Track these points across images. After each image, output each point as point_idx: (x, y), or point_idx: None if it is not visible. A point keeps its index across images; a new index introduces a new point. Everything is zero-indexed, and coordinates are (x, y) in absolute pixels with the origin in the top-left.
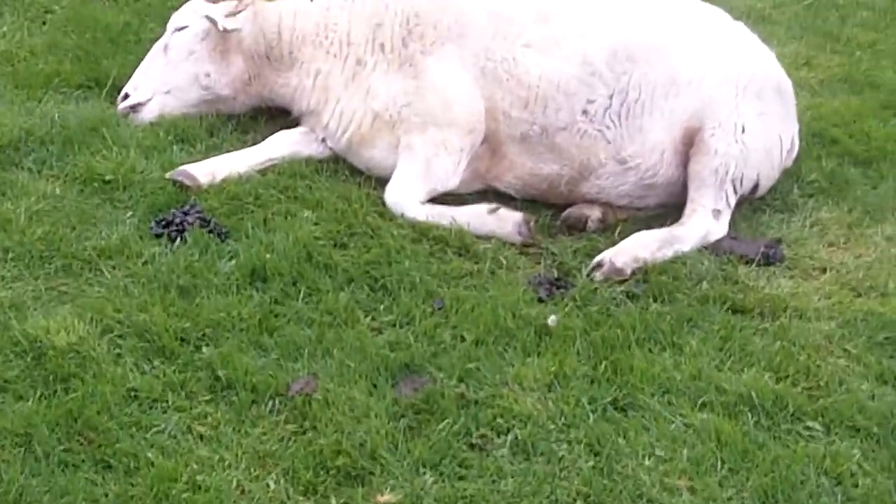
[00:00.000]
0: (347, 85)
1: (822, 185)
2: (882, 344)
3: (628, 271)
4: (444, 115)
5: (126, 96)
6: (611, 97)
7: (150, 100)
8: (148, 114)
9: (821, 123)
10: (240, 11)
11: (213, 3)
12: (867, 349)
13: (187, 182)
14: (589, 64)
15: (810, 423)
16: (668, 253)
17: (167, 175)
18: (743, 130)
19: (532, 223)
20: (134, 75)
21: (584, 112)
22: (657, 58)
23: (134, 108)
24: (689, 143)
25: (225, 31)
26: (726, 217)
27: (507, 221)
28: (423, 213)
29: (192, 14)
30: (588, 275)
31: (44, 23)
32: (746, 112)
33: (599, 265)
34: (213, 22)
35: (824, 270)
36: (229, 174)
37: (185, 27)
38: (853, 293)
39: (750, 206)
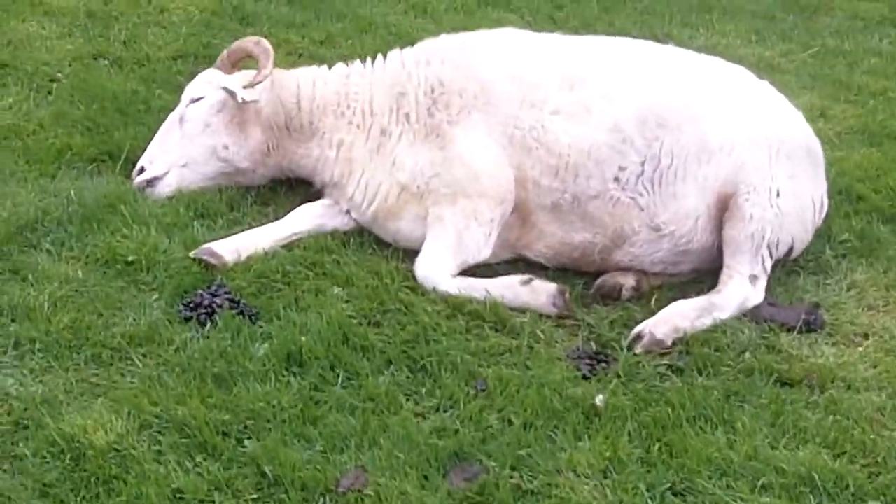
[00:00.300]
0: (372, 156)
1: (854, 244)
2: None
3: (669, 342)
4: (474, 185)
5: (141, 170)
6: (643, 164)
7: (166, 174)
8: (165, 188)
9: (845, 179)
10: (258, 82)
11: (229, 73)
12: None
13: (212, 261)
14: (619, 131)
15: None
16: (707, 322)
17: (191, 254)
18: (777, 194)
19: (567, 294)
20: (148, 148)
21: (616, 179)
22: (688, 123)
23: (150, 182)
24: (723, 208)
25: (243, 102)
26: (763, 282)
27: (541, 293)
28: (455, 286)
29: (207, 85)
30: (628, 347)
31: (49, 92)
32: (779, 175)
33: (639, 337)
34: (231, 94)
35: (866, 336)
36: (254, 251)
37: (201, 98)
38: None
39: (783, 268)
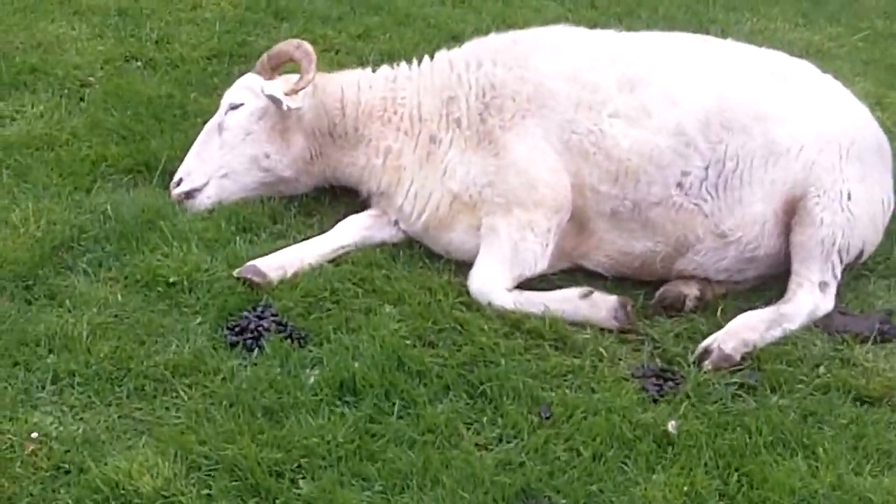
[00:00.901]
0: (422, 164)
1: None
2: None
3: (738, 357)
4: (530, 195)
5: (179, 181)
6: (707, 168)
7: (205, 185)
8: (205, 200)
9: None
10: (301, 88)
11: (269, 78)
12: None
13: (257, 279)
14: (682, 134)
15: None
16: (777, 333)
17: (234, 273)
18: (849, 197)
19: (629, 307)
20: (186, 158)
21: (679, 185)
22: (754, 124)
23: (189, 194)
24: (791, 213)
25: (287, 109)
26: (833, 289)
27: (601, 307)
28: (511, 300)
29: (247, 92)
30: (695, 363)
31: (81, 98)
32: (851, 176)
33: (707, 352)
34: (275, 101)
35: None
36: (300, 267)
37: (241, 105)
38: None
39: (851, 273)
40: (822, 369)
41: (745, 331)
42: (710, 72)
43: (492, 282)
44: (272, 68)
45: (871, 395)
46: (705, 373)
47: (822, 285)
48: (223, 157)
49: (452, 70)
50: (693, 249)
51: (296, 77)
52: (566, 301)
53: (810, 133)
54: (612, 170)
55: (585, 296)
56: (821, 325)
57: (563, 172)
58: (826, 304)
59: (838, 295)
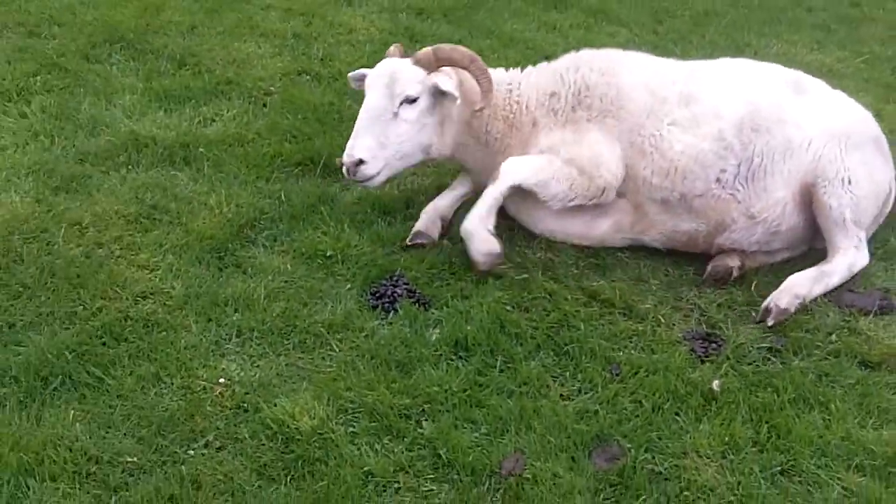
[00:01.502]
0: (524, 145)
1: None
2: None
3: (793, 310)
4: (591, 166)
5: (360, 161)
6: (739, 165)
7: (384, 167)
8: (379, 180)
9: None
10: (483, 107)
11: (430, 72)
12: None
13: (425, 241)
14: (722, 139)
15: None
16: (820, 289)
17: (408, 241)
18: (850, 181)
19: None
20: (362, 139)
21: (718, 180)
22: (776, 127)
23: (367, 177)
24: (806, 194)
25: (478, 111)
26: (864, 246)
27: (482, 246)
28: (498, 194)
29: (420, 87)
30: (759, 321)
31: (264, 105)
32: (851, 164)
33: (767, 311)
34: (451, 99)
35: None
36: (447, 215)
37: (417, 100)
38: None
39: None
40: (833, 337)
41: (795, 287)
42: (744, 87)
43: (520, 174)
44: (438, 66)
45: (873, 360)
46: (741, 338)
47: (854, 247)
48: (401, 146)
49: (555, 73)
50: (729, 229)
51: (451, 70)
52: (480, 225)
53: (816, 130)
54: (664, 167)
55: (492, 234)
56: (834, 301)
57: (622, 164)
58: (862, 259)
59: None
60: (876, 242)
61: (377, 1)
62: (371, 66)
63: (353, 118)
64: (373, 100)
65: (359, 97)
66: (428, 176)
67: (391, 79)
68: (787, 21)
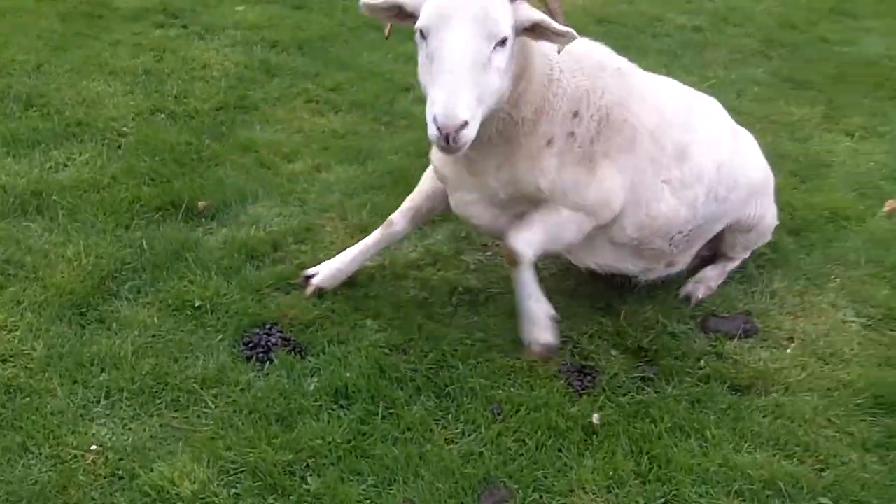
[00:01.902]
0: (529, 160)
1: (769, 256)
2: (856, 412)
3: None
4: (598, 208)
5: (465, 123)
6: (691, 231)
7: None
8: (472, 132)
9: None
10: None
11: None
12: (847, 418)
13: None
14: (695, 207)
15: (822, 500)
16: (722, 278)
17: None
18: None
19: (554, 352)
20: (465, 96)
21: (671, 240)
22: (732, 195)
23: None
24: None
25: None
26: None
27: (543, 335)
28: (526, 270)
29: (510, 20)
30: (682, 300)
31: (119, 147)
32: (761, 208)
33: (688, 298)
34: (567, 35)
35: (791, 339)
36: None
37: (505, 40)
38: (821, 362)
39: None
40: (702, 363)
41: (709, 281)
42: (717, 139)
43: (532, 245)
44: None
45: (742, 383)
46: (615, 368)
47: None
48: (492, 97)
49: (579, 88)
50: (653, 272)
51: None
52: (540, 310)
53: (747, 189)
54: (643, 221)
55: (553, 320)
56: (700, 327)
57: (622, 201)
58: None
59: (711, 302)
60: (735, 268)
61: (230, 34)
62: (227, 102)
63: (212, 158)
64: (465, 39)
65: (216, 135)
66: (295, 217)
67: (483, 10)
68: (634, 47)
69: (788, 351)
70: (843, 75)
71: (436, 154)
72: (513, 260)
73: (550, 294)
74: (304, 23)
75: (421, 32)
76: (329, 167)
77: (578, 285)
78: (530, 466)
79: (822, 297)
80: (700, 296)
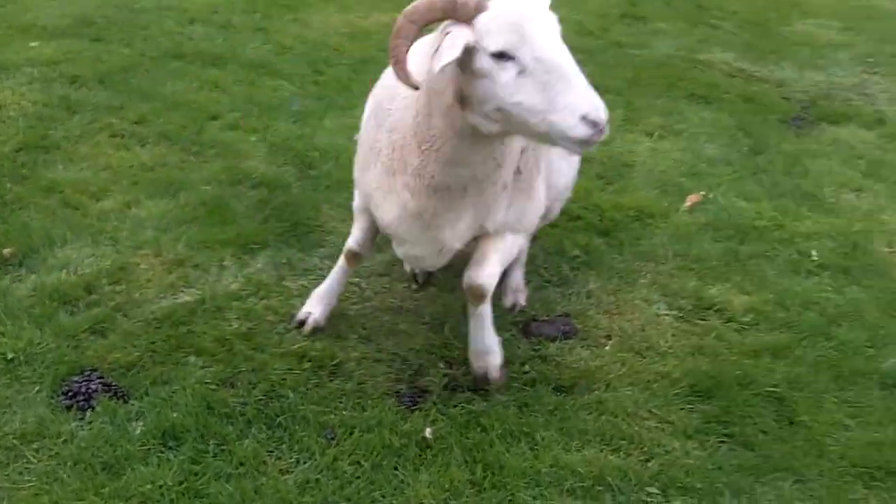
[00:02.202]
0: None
1: (583, 258)
2: (675, 402)
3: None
4: (534, 222)
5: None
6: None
7: None
8: None
9: None
10: None
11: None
12: (667, 409)
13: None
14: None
15: (650, 489)
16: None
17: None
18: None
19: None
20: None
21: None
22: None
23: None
24: None
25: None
26: None
27: (495, 366)
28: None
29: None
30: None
31: None
32: None
33: (513, 307)
34: None
35: (609, 337)
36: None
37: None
38: (639, 356)
39: (533, 285)
40: (527, 367)
41: (518, 284)
42: None
43: (494, 277)
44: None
45: (565, 384)
46: (447, 378)
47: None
48: None
49: None
50: None
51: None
52: (496, 340)
53: None
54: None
55: (501, 357)
56: (522, 332)
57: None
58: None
59: (531, 306)
60: (550, 270)
61: (26, 72)
62: (28, 143)
63: (15, 201)
64: (557, 38)
65: (18, 178)
66: (107, 257)
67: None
68: None
69: (607, 348)
70: (638, 78)
71: (389, 214)
72: (478, 296)
73: (374, 312)
74: (104, 55)
75: (502, 55)
76: (139, 202)
77: (402, 301)
78: (367, 487)
79: (634, 293)
80: (523, 301)
